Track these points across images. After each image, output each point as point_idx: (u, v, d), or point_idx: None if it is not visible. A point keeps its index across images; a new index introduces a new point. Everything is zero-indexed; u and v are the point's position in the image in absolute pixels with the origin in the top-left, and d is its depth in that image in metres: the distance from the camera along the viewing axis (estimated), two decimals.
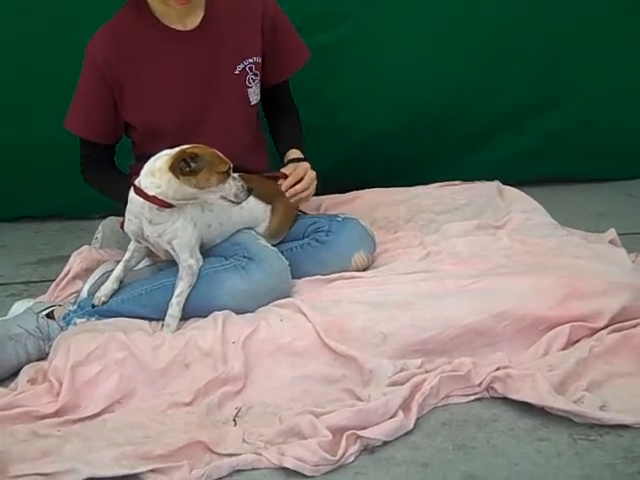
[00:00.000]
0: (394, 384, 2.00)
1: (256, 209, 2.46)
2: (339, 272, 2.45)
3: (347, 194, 3.08)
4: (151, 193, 2.19)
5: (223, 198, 2.22)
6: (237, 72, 2.54)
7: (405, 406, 1.93)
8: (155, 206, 2.21)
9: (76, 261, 2.61)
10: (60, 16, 2.98)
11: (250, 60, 2.55)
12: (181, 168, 2.14)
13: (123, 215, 2.76)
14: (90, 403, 2.05)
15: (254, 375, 2.11)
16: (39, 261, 3.12)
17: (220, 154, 2.20)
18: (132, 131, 2.58)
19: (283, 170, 2.56)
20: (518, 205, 2.88)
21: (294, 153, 2.62)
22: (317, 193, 2.81)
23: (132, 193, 2.24)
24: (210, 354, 2.11)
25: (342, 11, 3.14)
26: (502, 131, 3.38)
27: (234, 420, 1.98)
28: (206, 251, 2.37)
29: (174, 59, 2.49)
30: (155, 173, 2.18)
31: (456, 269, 2.41)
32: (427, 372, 2.05)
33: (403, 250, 2.61)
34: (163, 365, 2.10)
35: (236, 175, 2.28)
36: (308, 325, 2.17)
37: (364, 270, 2.50)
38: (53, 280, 2.75)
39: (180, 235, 2.25)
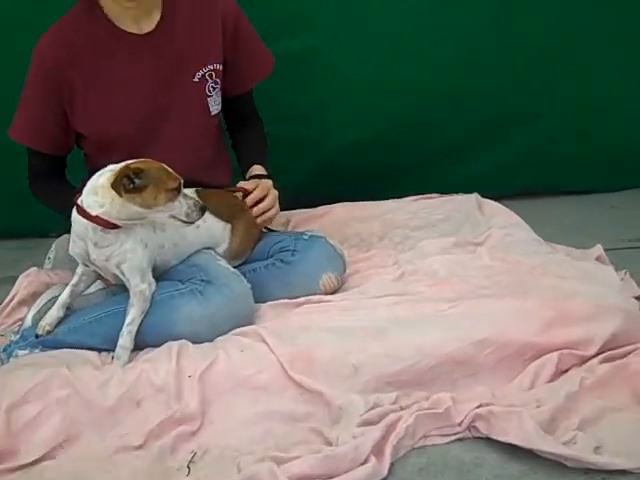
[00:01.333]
0: (366, 423, 1.81)
1: (214, 228, 2.27)
2: (306, 295, 2.27)
3: (316, 209, 2.91)
4: (94, 213, 2.01)
5: (173, 217, 2.03)
6: (196, 79, 2.36)
7: (378, 450, 1.74)
8: (99, 227, 2.01)
9: (22, 285, 2.42)
10: (7, 17, 2.76)
11: (210, 67, 2.37)
12: (124, 185, 1.95)
13: None
14: (29, 449, 1.84)
15: (212, 413, 1.92)
16: None
17: (169, 169, 2.01)
18: (83, 141, 2.39)
19: (242, 185, 2.37)
20: (498, 220, 2.72)
21: (257, 169, 2.45)
22: (286, 208, 2.67)
23: (74, 213, 2.04)
24: (163, 390, 1.92)
25: (310, 15, 2.96)
26: (480, 142, 3.21)
27: (188, 467, 1.78)
28: (160, 274, 2.18)
29: (128, 64, 2.30)
30: (98, 190, 1.99)
31: (433, 291, 2.24)
32: (402, 409, 1.86)
33: (376, 270, 2.43)
34: (111, 403, 1.90)
35: (188, 192, 2.12)
36: (271, 356, 1.98)
37: (333, 293, 2.32)
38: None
39: (129, 258, 2.06)
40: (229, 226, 2.30)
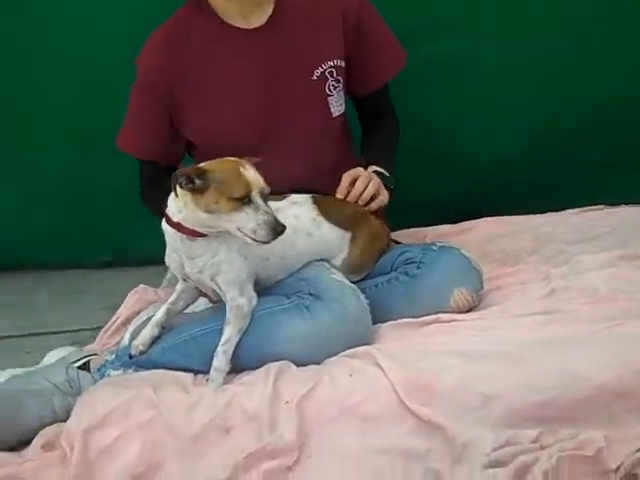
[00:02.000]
0: (494, 464, 1.47)
1: (330, 237, 1.99)
2: (434, 313, 1.93)
3: (456, 225, 2.57)
4: (175, 219, 1.80)
5: (240, 231, 1.76)
6: (315, 77, 2.13)
7: None
8: (184, 236, 1.80)
9: (129, 303, 2.24)
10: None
11: (330, 63, 2.13)
12: (180, 183, 1.73)
13: None
14: (105, 478, 1.62)
15: (311, 446, 1.64)
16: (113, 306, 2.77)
17: (244, 175, 1.75)
18: (193, 151, 2.21)
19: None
20: None
21: (373, 169, 2.16)
22: (427, 225, 2.46)
23: (163, 222, 1.85)
24: (255, 417, 1.65)
25: (456, 17, 2.66)
26: None
27: None
28: (266, 289, 1.93)
29: (237, 62, 2.10)
30: (178, 194, 1.76)
31: (589, 310, 1.87)
32: (542, 448, 1.49)
33: (521, 287, 2.07)
34: (197, 430, 1.66)
35: (300, 197, 1.96)
36: (384, 381, 1.68)
37: (467, 312, 1.96)
38: None
39: (225, 270, 1.82)
40: (348, 235, 2.01)
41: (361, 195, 2.04)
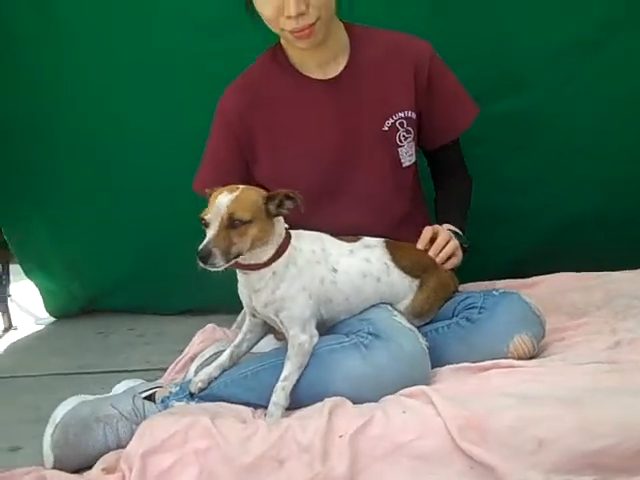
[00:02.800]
0: None
1: (399, 283, 2.02)
2: (492, 359, 1.93)
3: (528, 279, 2.55)
4: None
5: None
6: (386, 128, 2.17)
7: None
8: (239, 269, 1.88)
9: (197, 340, 2.30)
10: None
11: (401, 114, 2.17)
12: None
13: None
14: None
15: None
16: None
17: (214, 199, 1.80)
18: None
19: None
20: None
21: (447, 227, 2.19)
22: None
23: None
24: (308, 450, 1.67)
25: (529, 74, 2.69)
26: None
27: None
28: (327, 329, 1.96)
29: (312, 111, 2.17)
30: None
31: None
32: None
33: (586, 337, 2.04)
34: (251, 459, 1.68)
35: (374, 241, 2.02)
36: (437, 420, 1.67)
37: (529, 359, 1.95)
38: None
39: (288, 307, 1.87)
40: (416, 282, 2.04)
41: (440, 252, 2.08)
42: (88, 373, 2.67)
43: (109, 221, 3.01)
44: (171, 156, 2.77)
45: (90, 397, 2.02)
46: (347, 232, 2.05)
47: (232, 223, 1.77)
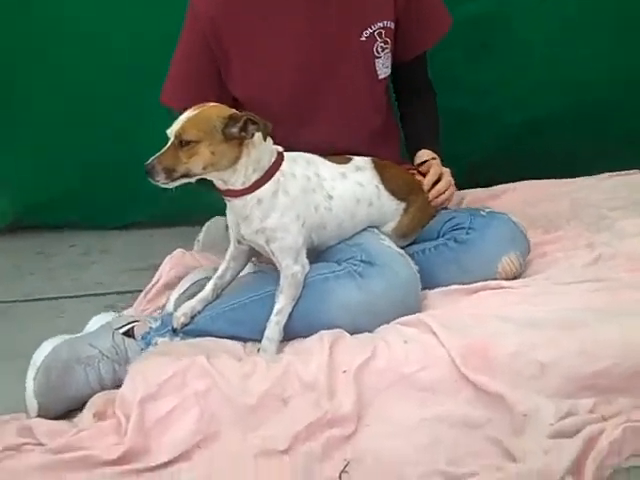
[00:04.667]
0: (558, 435, 1.47)
1: (387, 206, 1.99)
2: (482, 280, 1.92)
3: (494, 187, 2.55)
4: None
5: None
6: (364, 38, 2.07)
7: (576, 469, 1.38)
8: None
9: (166, 268, 2.22)
10: None
11: (380, 24, 2.08)
12: None
13: None
14: (163, 448, 1.62)
15: (368, 415, 1.63)
16: (144, 268, 2.75)
17: (182, 115, 1.76)
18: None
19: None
20: None
21: (426, 154, 2.15)
22: (459, 188, 2.35)
23: None
24: (313, 387, 1.65)
25: None
26: None
27: (340, 477, 1.50)
28: (315, 255, 1.90)
29: (287, 16, 2.04)
30: None
31: (636, 277, 1.83)
32: (604, 419, 1.50)
33: (565, 253, 2.06)
34: (254, 400, 1.65)
35: (362, 160, 1.98)
36: (441, 350, 1.67)
37: (514, 278, 1.96)
38: None
39: (280, 237, 1.80)
40: (403, 205, 2.00)
41: (438, 197, 2.06)
42: (36, 300, 2.54)
43: (45, 133, 2.82)
44: (122, 63, 2.62)
45: (67, 336, 1.94)
46: (324, 148, 1.98)
47: (181, 142, 1.72)
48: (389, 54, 2.12)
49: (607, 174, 2.59)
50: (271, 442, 1.60)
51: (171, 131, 1.75)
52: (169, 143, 1.75)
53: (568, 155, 2.76)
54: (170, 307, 2.02)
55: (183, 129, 1.73)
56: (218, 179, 1.80)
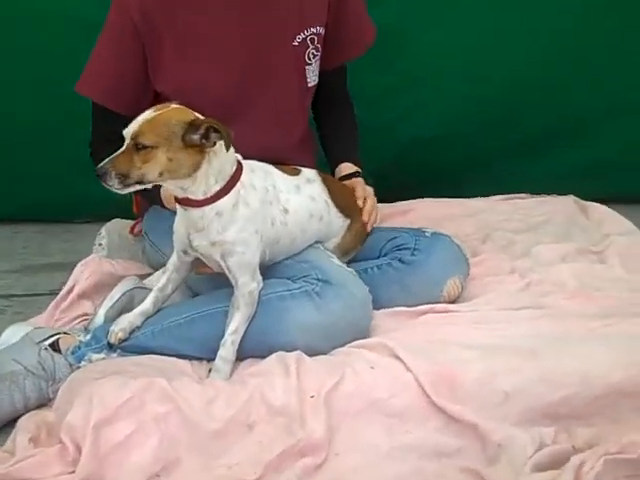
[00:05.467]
0: (537, 468, 1.49)
1: (335, 222, 1.95)
2: (425, 302, 1.94)
3: (397, 204, 2.56)
4: None
5: None
6: (296, 43, 2.03)
7: None
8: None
9: (83, 275, 2.06)
10: None
11: (313, 30, 2.04)
12: None
13: (131, 217, 2.28)
14: (119, 477, 1.50)
15: (339, 442, 1.59)
16: (22, 269, 2.56)
17: (140, 116, 1.68)
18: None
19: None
20: (612, 227, 2.40)
21: (348, 168, 2.13)
22: None
23: None
24: (283, 412, 1.58)
25: None
26: (567, 138, 2.87)
27: None
28: (264, 271, 1.82)
29: (225, 15, 1.95)
30: None
31: (574, 305, 1.94)
32: (574, 449, 1.54)
33: (493, 278, 2.10)
34: (219, 425, 1.56)
35: (311, 174, 1.91)
36: (408, 375, 1.65)
37: (454, 301, 1.98)
38: (41, 294, 2.34)
39: (240, 252, 1.71)
40: (347, 221, 1.97)
41: (369, 218, 2.04)
42: None
43: None
44: None
45: None
46: (255, 152, 1.89)
47: (136, 145, 1.61)
48: (318, 62, 2.09)
49: (498, 197, 2.68)
50: (239, 471, 1.52)
51: (127, 132, 1.63)
52: (124, 145, 1.62)
53: (455, 172, 2.83)
54: (100, 319, 1.88)
55: (140, 132, 1.62)
56: (176, 187, 1.68)
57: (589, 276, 2.09)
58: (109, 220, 2.39)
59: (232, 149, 1.71)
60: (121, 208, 2.27)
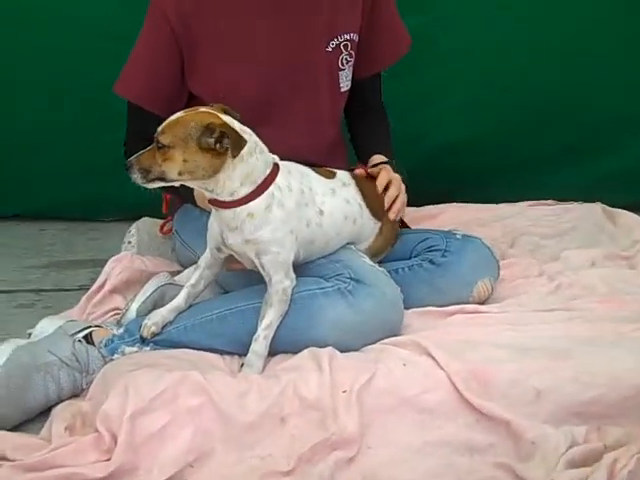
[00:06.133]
0: (571, 465, 1.49)
1: (367, 225, 1.95)
2: (456, 303, 1.94)
3: (427, 208, 2.58)
4: None
5: None
6: (330, 49, 2.05)
7: None
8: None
9: (115, 271, 2.08)
10: None
11: (347, 36, 2.06)
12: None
13: (159, 216, 2.30)
14: (154, 466, 1.52)
15: (370, 437, 1.59)
16: (49, 265, 2.59)
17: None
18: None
19: (367, 169, 2.08)
20: None
21: (379, 158, 2.13)
22: None
23: None
24: (316, 406, 1.59)
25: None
26: (594, 148, 2.88)
27: None
28: (297, 269, 1.84)
29: (262, 20, 1.98)
30: None
31: (605, 309, 1.93)
32: (606, 448, 1.54)
33: (524, 280, 2.11)
34: (252, 418, 1.57)
35: (345, 176, 1.94)
36: (440, 373, 1.66)
37: (483, 302, 1.98)
38: (69, 289, 2.39)
39: (275, 251, 1.73)
40: (379, 225, 1.98)
41: (391, 206, 2.01)
42: None
43: None
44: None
45: (21, 341, 1.77)
46: (286, 154, 1.91)
47: (158, 144, 1.66)
48: (351, 68, 2.11)
49: (525, 203, 2.68)
50: (271, 462, 1.53)
51: (157, 131, 1.67)
52: (153, 143, 1.67)
53: (483, 179, 2.83)
54: (132, 314, 1.90)
55: (161, 131, 1.67)
56: (200, 187, 1.71)
57: (619, 281, 2.09)
58: (134, 220, 2.42)
59: (265, 150, 1.73)
60: (147, 209, 2.32)
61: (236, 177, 1.69)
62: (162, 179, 1.67)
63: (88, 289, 2.15)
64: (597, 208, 2.61)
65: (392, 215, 2.01)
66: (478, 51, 2.71)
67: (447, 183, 2.83)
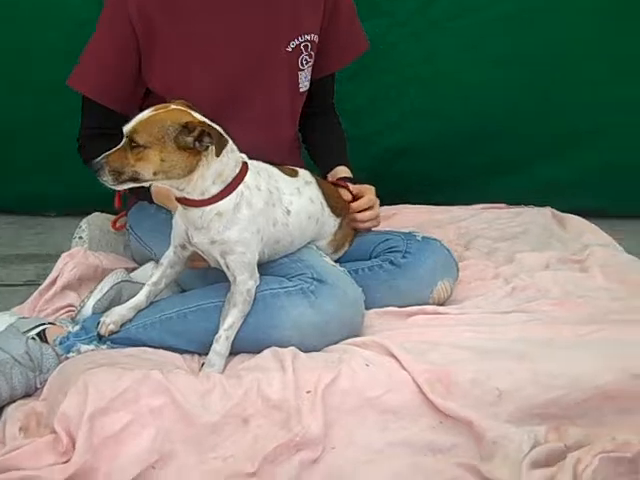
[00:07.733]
0: (535, 465, 1.50)
1: (328, 222, 1.95)
2: (414, 303, 1.95)
3: (381, 208, 2.52)
4: None
5: None
6: (290, 49, 2.04)
7: None
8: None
9: (67, 266, 2.02)
10: None
11: (307, 37, 2.05)
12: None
13: (110, 211, 2.25)
14: (114, 468, 1.48)
15: (334, 437, 1.59)
16: None
17: (140, 114, 1.67)
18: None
19: (349, 185, 2.08)
20: (591, 237, 2.44)
21: (343, 171, 2.14)
22: None
23: None
24: (280, 407, 1.57)
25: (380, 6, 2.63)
26: (538, 159, 2.90)
27: None
28: (260, 268, 1.81)
29: (222, 17, 1.96)
30: None
31: (560, 311, 1.95)
32: (567, 448, 1.56)
33: (481, 282, 2.12)
34: (215, 418, 1.54)
35: (307, 175, 1.93)
36: (403, 374, 1.66)
37: (443, 304, 1.99)
38: (17, 285, 2.36)
39: (240, 251, 1.70)
40: (338, 221, 1.97)
41: (359, 213, 2.04)
42: None
43: None
44: None
45: None
46: (244, 152, 1.90)
47: (131, 143, 1.60)
48: (310, 69, 2.10)
49: (479, 206, 2.71)
50: (234, 464, 1.51)
51: (126, 129, 1.62)
52: (122, 142, 1.62)
53: (434, 182, 2.85)
54: (88, 311, 1.85)
55: (135, 130, 1.61)
56: (171, 187, 1.68)
57: (572, 284, 2.11)
58: (82, 215, 2.36)
59: (235, 149, 1.70)
60: (96, 203, 2.28)
61: (209, 176, 1.67)
62: (135, 180, 1.62)
63: (35, 284, 2.10)
64: (547, 212, 2.65)
65: (360, 226, 2.06)
66: (434, 57, 2.72)
67: (399, 186, 2.82)
